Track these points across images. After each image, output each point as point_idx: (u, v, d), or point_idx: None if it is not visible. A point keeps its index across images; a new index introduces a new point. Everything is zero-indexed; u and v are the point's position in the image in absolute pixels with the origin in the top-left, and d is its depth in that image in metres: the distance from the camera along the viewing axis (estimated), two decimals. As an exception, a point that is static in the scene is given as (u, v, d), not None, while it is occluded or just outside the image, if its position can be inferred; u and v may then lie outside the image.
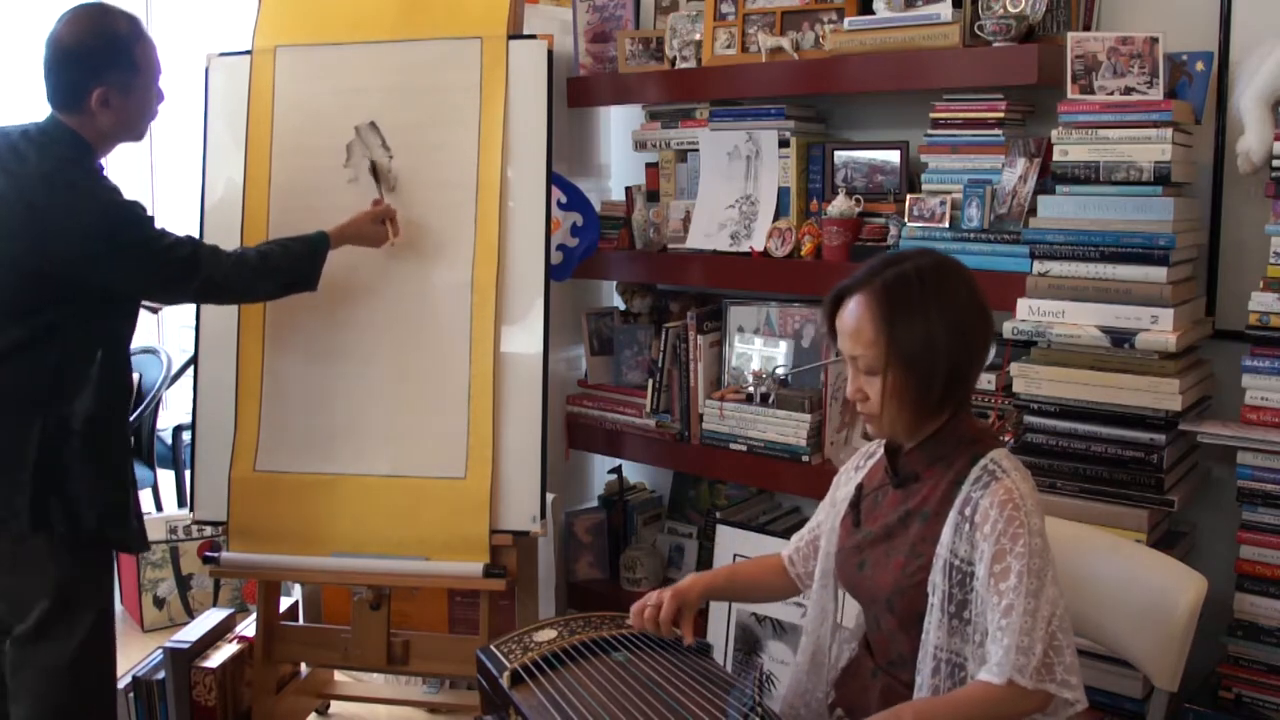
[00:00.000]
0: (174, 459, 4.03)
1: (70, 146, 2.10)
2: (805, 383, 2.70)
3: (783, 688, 1.81)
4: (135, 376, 2.75)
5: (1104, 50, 2.10)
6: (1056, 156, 2.15)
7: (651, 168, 3.01)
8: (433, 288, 2.51)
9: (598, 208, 2.95)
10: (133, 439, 3.71)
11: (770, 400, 2.65)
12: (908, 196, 2.42)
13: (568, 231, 2.80)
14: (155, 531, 3.44)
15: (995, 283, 2.18)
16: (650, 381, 2.89)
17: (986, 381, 2.28)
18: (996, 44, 2.25)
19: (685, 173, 2.92)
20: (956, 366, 1.55)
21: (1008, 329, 2.16)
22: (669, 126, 2.92)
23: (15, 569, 2.10)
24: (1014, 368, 2.19)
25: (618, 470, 3.17)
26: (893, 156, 2.57)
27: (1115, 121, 2.08)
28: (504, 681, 1.64)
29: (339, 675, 2.98)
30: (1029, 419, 2.19)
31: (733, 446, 2.72)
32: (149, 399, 3.81)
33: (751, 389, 2.69)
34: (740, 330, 2.82)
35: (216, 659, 2.63)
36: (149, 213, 2.15)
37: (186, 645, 2.62)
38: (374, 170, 2.52)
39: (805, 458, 2.60)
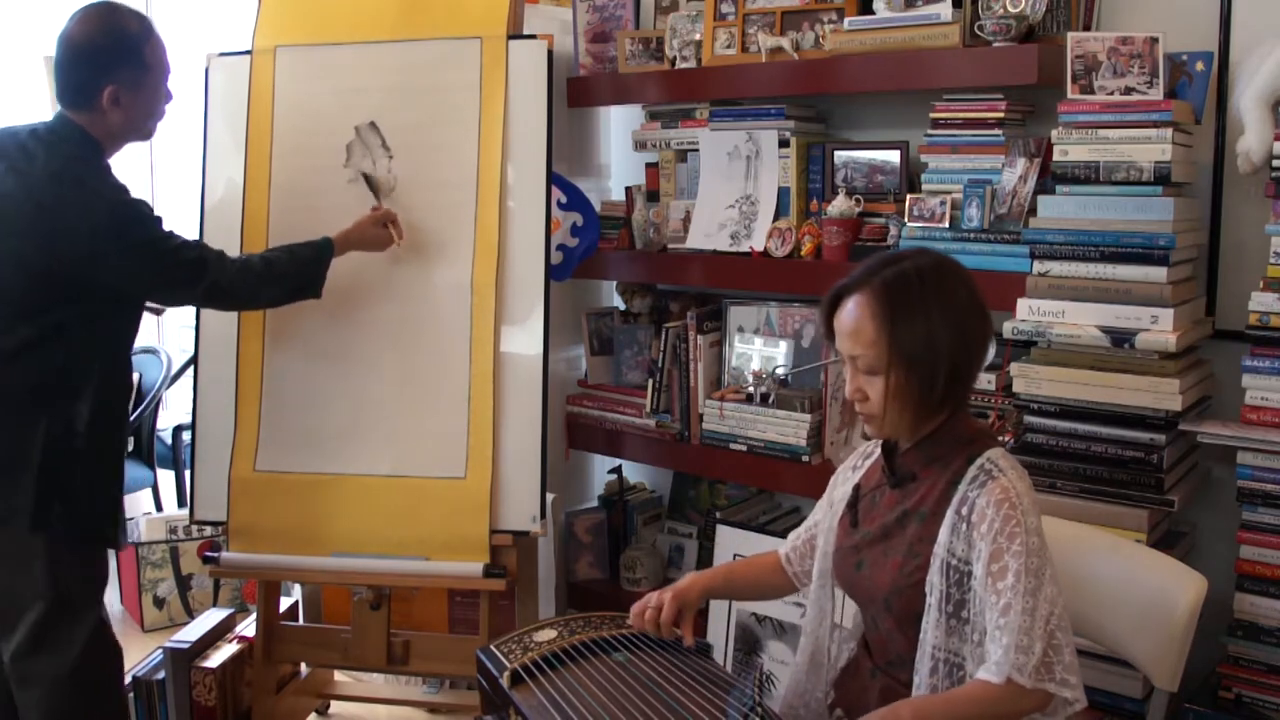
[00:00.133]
0: (174, 459, 4.03)
1: (79, 145, 2.10)
2: (805, 383, 2.70)
3: (782, 688, 1.81)
4: (135, 376, 2.75)
5: (1104, 50, 2.10)
6: (1056, 156, 2.15)
7: (651, 168, 3.01)
8: (433, 288, 2.51)
9: (598, 208, 2.95)
10: (132, 439, 3.73)
11: (770, 400, 2.65)
12: (908, 196, 2.42)
13: (568, 231, 2.80)
14: (155, 531, 3.45)
15: (995, 283, 2.19)
16: (650, 381, 2.89)
17: (986, 381, 2.28)
18: (996, 44, 2.25)
19: (685, 173, 2.92)
20: (957, 366, 1.55)
21: (1008, 329, 2.16)
22: (669, 126, 2.92)
23: (9, 572, 2.09)
24: (1014, 368, 2.19)
25: (618, 470, 3.17)
26: (893, 156, 2.57)
27: (1115, 121, 2.08)
28: (504, 681, 1.64)
29: (339, 675, 2.98)
30: (1029, 419, 2.19)
31: (733, 446, 2.72)
32: (149, 399, 3.81)
33: (751, 389, 2.69)
34: (740, 330, 2.82)
35: (216, 659, 2.63)
36: (156, 213, 2.15)
37: (186, 645, 2.62)
38: (368, 181, 2.52)
39: (805, 458, 2.60)
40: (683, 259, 2.81)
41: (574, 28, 3.06)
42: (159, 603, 3.41)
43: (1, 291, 2.06)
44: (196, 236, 2.26)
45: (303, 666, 2.87)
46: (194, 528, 3.37)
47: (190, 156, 2.65)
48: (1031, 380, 2.17)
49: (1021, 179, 2.28)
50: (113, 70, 2.08)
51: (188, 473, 2.80)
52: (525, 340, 2.48)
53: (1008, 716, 1.45)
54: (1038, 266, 2.17)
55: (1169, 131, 2.04)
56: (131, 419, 2.36)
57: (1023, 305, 2.17)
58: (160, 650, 2.66)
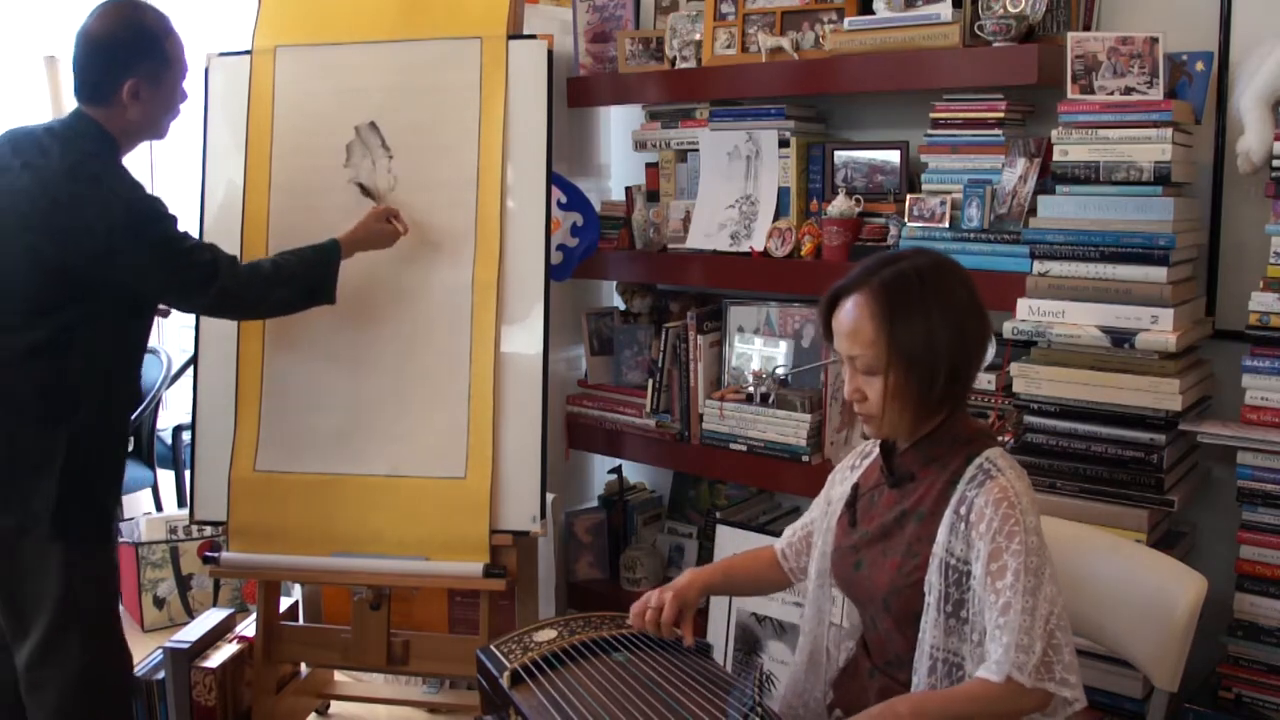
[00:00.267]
0: (174, 459, 4.03)
1: (94, 140, 2.09)
2: (805, 383, 2.70)
3: (782, 687, 1.81)
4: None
5: (1104, 50, 2.10)
6: (1056, 156, 2.15)
7: (651, 168, 3.01)
8: (433, 288, 2.51)
9: (598, 208, 2.95)
10: (131, 439, 3.73)
11: (770, 400, 2.65)
12: (908, 196, 2.42)
13: (568, 231, 2.80)
14: (155, 531, 3.45)
15: (995, 283, 2.19)
16: (650, 381, 2.89)
17: (986, 381, 2.28)
18: (996, 44, 2.25)
19: (685, 173, 2.92)
20: (955, 366, 1.55)
21: (1008, 329, 2.16)
22: (669, 126, 2.92)
23: (23, 578, 2.07)
24: (1014, 368, 2.19)
25: (618, 470, 3.17)
26: (893, 156, 2.57)
27: (1115, 121, 2.08)
28: (504, 681, 1.64)
29: (339, 675, 2.98)
30: (1029, 419, 2.19)
31: (733, 446, 2.72)
32: (149, 399, 3.81)
33: (751, 389, 2.69)
34: (740, 330, 2.82)
35: (216, 659, 2.63)
36: (171, 212, 2.15)
37: (186, 645, 2.62)
38: (364, 190, 2.51)
39: (805, 458, 2.60)
40: (683, 259, 2.81)
41: (574, 28, 3.06)
42: (159, 603, 3.41)
43: (14, 289, 2.05)
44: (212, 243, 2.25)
45: (303, 666, 2.87)
46: (194, 528, 3.37)
47: (190, 157, 2.65)
48: (1031, 380, 2.17)
49: (1021, 179, 2.28)
50: (133, 64, 2.08)
51: (188, 473, 2.80)
52: (525, 340, 2.48)
53: (1006, 715, 1.45)
54: (1038, 266, 2.17)
55: (1169, 131, 2.04)
56: (132, 419, 2.36)
57: (1023, 305, 2.17)
58: (160, 650, 2.66)
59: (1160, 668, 1.70)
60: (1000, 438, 2.11)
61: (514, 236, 2.49)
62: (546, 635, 1.75)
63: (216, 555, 2.54)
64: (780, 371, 2.68)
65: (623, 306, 3.15)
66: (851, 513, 1.70)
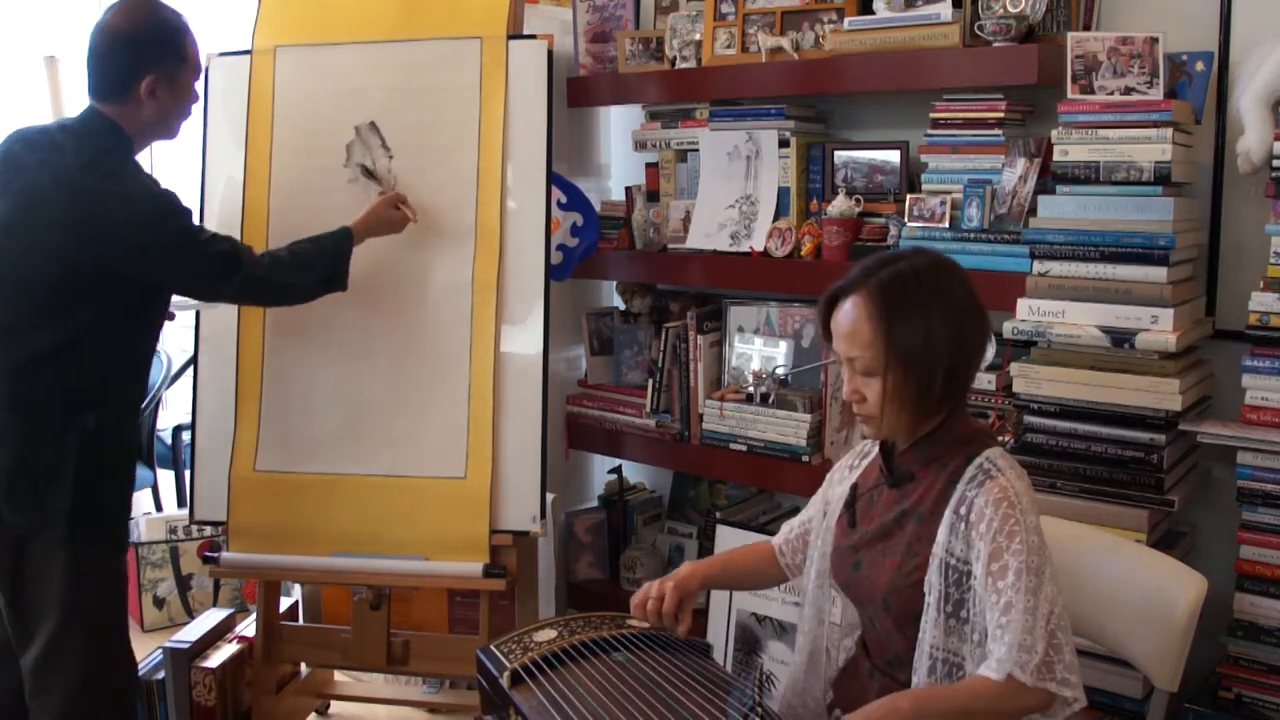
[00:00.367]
0: (174, 459, 4.03)
1: (109, 137, 2.09)
2: (805, 383, 2.70)
3: (782, 687, 1.81)
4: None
5: (1104, 50, 2.10)
6: (1056, 156, 2.15)
7: (651, 168, 3.01)
8: (433, 288, 2.51)
9: (598, 208, 2.95)
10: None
11: (770, 400, 2.65)
12: (908, 196, 2.42)
13: (568, 231, 2.80)
14: (155, 531, 3.44)
15: (995, 283, 2.19)
16: (650, 381, 2.89)
17: (986, 381, 2.28)
18: (996, 44, 2.25)
19: (685, 173, 2.92)
20: (954, 366, 1.55)
21: (1008, 329, 2.16)
22: (669, 126, 2.92)
23: (30, 582, 2.06)
24: (1014, 368, 2.19)
25: (618, 470, 3.17)
26: (893, 156, 2.57)
27: (1115, 121, 2.08)
28: (504, 681, 1.64)
29: (339, 675, 2.98)
30: (1029, 419, 2.19)
31: (733, 446, 2.72)
32: (149, 399, 3.80)
33: (751, 389, 2.69)
34: (740, 330, 2.82)
35: (216, 659, 2.63)
36: (187, 205, 2.15)
37: (186, 645, 2.62)
38: (368, 173, 2.51)
39: (805, 458, 2.60)
40: (683, 259, 2.81)
41: (574, 28, 3.06)
42: (159, 603, 3.41)
43: (30, 288, 2.03)
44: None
45: (303, 666, 2.87)
46: (194, 528, 3.37)
47: (190, 156, 2.65)
48: (1031, 380, 2.17)
49: (1021, 179, 2.28)
50: (153, 61, 2.08)
51: (188, 473, 2.80)
52: (525, 340, 2.48)
53: (1007, 714, 1.45)
54: (1038, 266, 2.17)
55: (1169, 131, 2.04)
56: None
57: (1023, 305, 2.17)
58: (160, 650, 2.66)
59: (1160, 668, 1.70)
60: (1000, 438, 2.11)
61: (514, 236, 2.49)
62: (546, 635, 1.75)
63: (216, 555, 2.54)
64: (780, 371, 2.68)
65: (623, 306, 3.15)
66: (850, 513, 1.70)
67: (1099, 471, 2.11)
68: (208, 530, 3.29)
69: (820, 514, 1.79)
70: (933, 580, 1.53)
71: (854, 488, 1.73)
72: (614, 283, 3.20)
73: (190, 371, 2.72)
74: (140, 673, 2.61)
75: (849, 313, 1.57)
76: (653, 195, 2.99)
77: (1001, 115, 2.31)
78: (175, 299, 2.25)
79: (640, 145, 3.01)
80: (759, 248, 2.66)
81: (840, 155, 2.64)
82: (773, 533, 1.90)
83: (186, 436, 3.37)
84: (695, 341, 2.80)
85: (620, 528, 3.16)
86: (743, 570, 1.92)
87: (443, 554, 2.43)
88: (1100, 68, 2.11)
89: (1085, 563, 1.81)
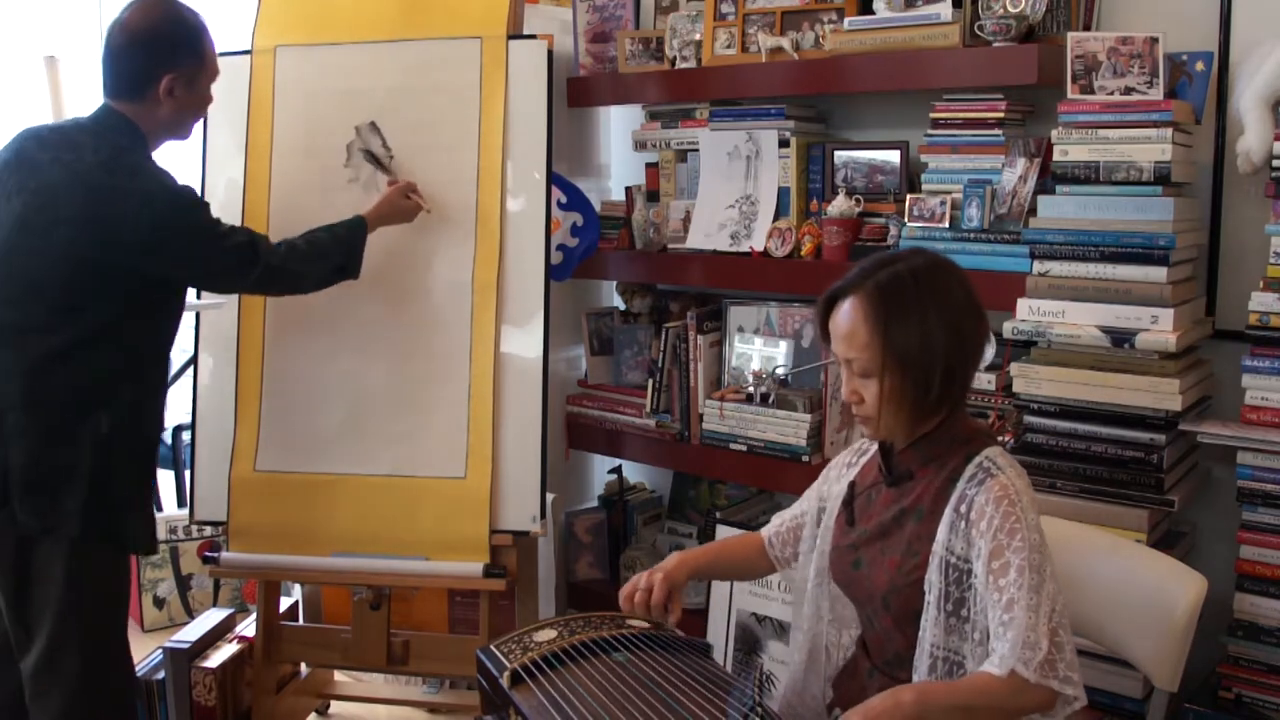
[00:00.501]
0: (174, 459, 4.03)
1: (126, 135, 2.08)
2: (805, 383, 2.70)
3: (781, 687, 1.81)
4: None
5: (1104, 50, 2.10)
6: (1056, 156, 2.15)
7: (651, 168, 3.01)
8: (433, 287, 2.51)
9: (598, 208, 2.95)
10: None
11: (770, 400, 2.65)
12: (908, 196, 2.42)
13: (568, 231, 2.80)
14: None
15: (995, 283, 2.19)
16: (650, 381, 2.89)
17: (986, 381, 2.28)
18: (996, 44, 2.25)
19: (685, 173, 2.92)
20: (952, 367, 1.55)
21: (1008, 329, 2.16)
22: (669, 126, 2.92)
23: (33, 583, 2.05)
24: (1014, 368, 2.19)
25: (618, 470, 3.17)
26: (893, 156, 2.57)
27: (1115, 121, 2.08)
28: (504, 681, 1.64)
29: (339, 675, 2.98)
30: (1029, 419, 2.19)
31: (733, 446, 2.72)
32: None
33: (751, 389, 2.69)
34: (740, 330, 2.82)
35: (216, 659, 2.63)
36: (205, 199, 2.14)
37: (186, 645, 2.62)
38: (373, 159, 2.51)
39: (805, 458, 2.60)
40: (683, 259, 2.81)
41: (574, 28, 3.06)
42: (159, 603, 3.41)
43: (45, 287, 2.02)
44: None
45: (303, 666, 2.87)
46: (194, 528, 3.37)
47: (190, 157, 2.65)
48: (1031, 380, 2.17)
49: (1021, 179, 2.28)
50: (173, 60, 2.08)
51: (188, 473, 2.80)
52: (525, 340, 2.48)
53: (1009, 711, 1.45)
54: (1038, 266, 2.17)
55: (1169, 131, 2.04)
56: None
57: (1023, 305, 2.17)
58: (160, 650, 2.66)
59: (1160, 668, 1.70)
60: (1000, 438, 2.11)
61: (514, 236, 2.49)
62: (546, 635, 1.75)
63: (216, 555, 2.54)
64: (780, 371, 2.68)
65: (623, 306, 3.15)
66: (849, 511, 1.70)
67: (1099, 471, 2.11)
68: (208, 530, 3.29)
69: (815, 510, 1.79)
70: (933, 579, 1.53)
71: (851, 486, 1.73)
72: (614, 283, 3.20)
73: (190, 371, 2.72)
74: (140, 673, 2.62)
75: (847, 314, 1.57)
76: (653, 195, 2.99)
77: (1001, 115, 2.31)
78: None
79: (640, 145, 3.01)
80: (759, 248, 2.67)
81: (840, 155, 2.64)
82: (772, 532, 1.91)
83: (186, 436, 3.37)
84: (695, 341, 2.80)
85: (620, 528, 3.16)
86: (732, 562, 1.93)
87: (443, 554, 2.43)
88: (1100, 68, 2.11)
89: (1085, 563, 1.81)
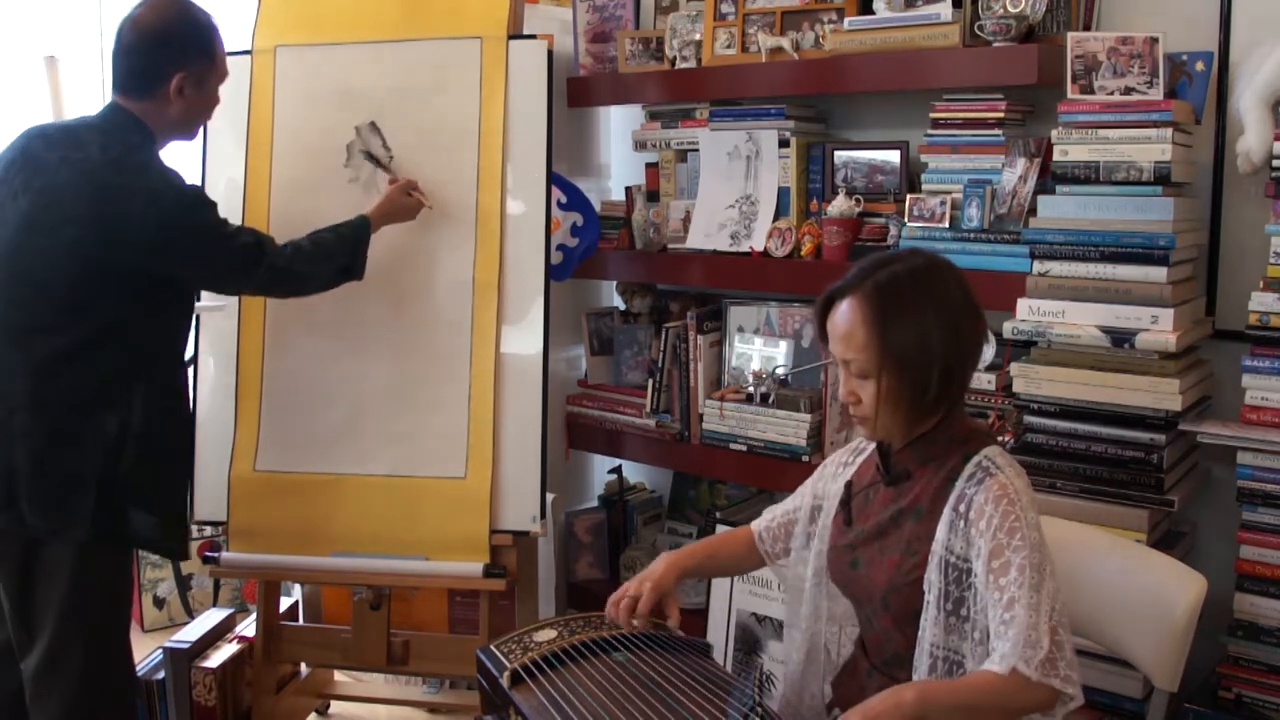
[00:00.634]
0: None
1: (135, 133, 2.08)
2: (805, 383, 2.70)
3: (781, 687, 1.81)
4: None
5: (1104, 50, 2.10)
6: (1056, 156, 2.15)
7: (651, 168, 3.01)
8: (433, 287, 2.51)
9: (598, 208, 2.95)
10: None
11: (770, 400, 2.65)
12: (908, 196, 2.42)
13: (568, 231, 2.80)
14: (155, 531, 3.44)
15: (995, 283, 2.19)
16: (650, 381, 2.89)
17: (986, 381, 2.28)
18: (996, 44, 2.25)
19: (685, 173, 2.92)
20: (950, 367, 1.55)
21: (1008, 329, 2.16)
22: (669, 126, 2.92)
23: (36, 584, 2.04)
24: (1014, 368, 2.19)
25: (618, 470, 3.17)
26: (893, 156, 2.57)
27: (1115, 121, 2.08)
28: (504, 681, 1.64)
29: (339, 675, 2.98)
30: (1029, 419, 2.19)
31: (733, 446, 2.72)
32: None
33: (751, 389, 2.69)
34: (740, 330, 2.82)
35: (216, 659, 2.63)
36: (212, 198, 2.14)
37: (186, 645, 2.62)
38: (372, 160, 2.51)
39: (805, 458, 2.60)
40: (683, 259, 2.81)
41: (574, 28, 3.06)
42: (159, 603, 3.41)
43: (52, 287, 2.01)
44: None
45: (303, 666, 2.87)
46: (194, 528, 3.36)
47: (191, 157, 2.65)
48: (1031, 380, 2.17)
49: (1021, 179, 2.28)
50: (184, 59, 2.07)
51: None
52: (525, 340, 2.48)
53: (1011, 709, 1.45)
54: (1038, 266, 2.17)
55: (1169, 131, 2.04)
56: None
57: (1023, 305, 2.17)
58: (160, 650, 2.66)
59: (1160, 668, 1.70)
60: (1000, 438, 2.11)
61: (514, 236, 2.49)
62: (546, 635, 1.75)
63: (216, 555, 2.54)
64: (780, 371, 2.68)
65: (623, 306, 3.15)
66: (846, 511, 1.70)
67: (1099, 471, 2.11)
68: (208, 530, 3.28)
69: (809, 506, 1.79)
70: (932, 578, 1.53)
71: (848, 486, 1.73)
72: (614, 283, 3.20)
73: (190, 371, 2.72)
74: (140, 673, 2.62)
75: (844, 315, 1.57)
76: (653, 195, 2.99)
77: (1001, 115, 2.31)
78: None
79: (640, 145, 3.01)
80: (759, 248, 2.67)
81: (840, 155, 2.64)
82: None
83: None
84: (695, 341, 2.80)
85: (620, 528, 3.16)
86: (722, 559, 1.92)
87: (443, 554, 2.43)
88: (1100, 68, 2.11)
89: (1085, 562, 1.81)
